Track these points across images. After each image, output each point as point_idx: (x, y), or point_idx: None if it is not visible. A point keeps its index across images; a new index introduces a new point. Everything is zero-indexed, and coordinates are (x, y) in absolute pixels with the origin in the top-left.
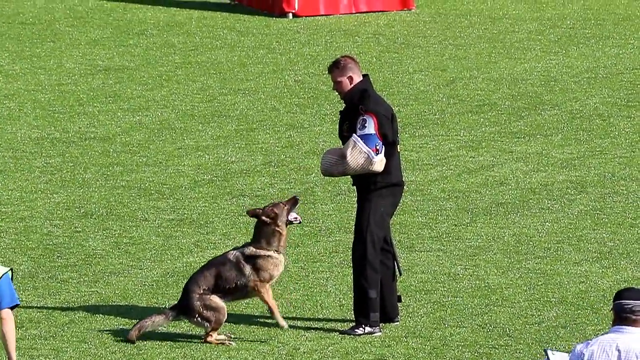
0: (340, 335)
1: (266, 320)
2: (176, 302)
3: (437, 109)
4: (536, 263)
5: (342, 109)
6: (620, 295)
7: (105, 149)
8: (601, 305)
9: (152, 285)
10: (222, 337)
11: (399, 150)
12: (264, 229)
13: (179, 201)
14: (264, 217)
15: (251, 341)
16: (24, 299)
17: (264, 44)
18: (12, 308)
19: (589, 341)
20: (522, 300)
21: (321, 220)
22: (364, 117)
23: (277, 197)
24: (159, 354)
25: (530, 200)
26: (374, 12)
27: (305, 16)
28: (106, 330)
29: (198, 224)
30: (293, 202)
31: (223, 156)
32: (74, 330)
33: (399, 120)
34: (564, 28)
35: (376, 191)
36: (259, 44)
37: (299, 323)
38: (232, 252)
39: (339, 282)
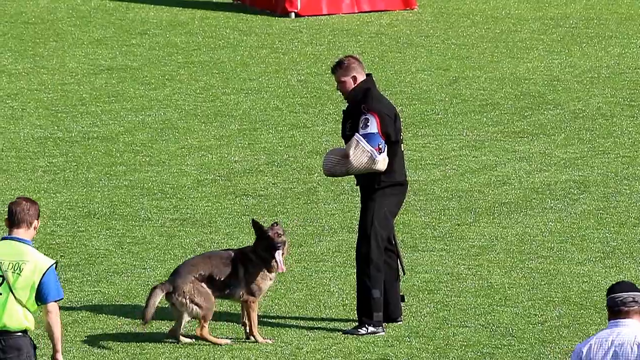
0: (344, 335)
1: (269, 320)
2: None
3: (439, 109)
4: (539, 263)
5: (345, 108)
6: (611, 290)
7: (108, 148)
8: (604, 304)
9: (156, 284)
10: (226, 341)
11: (403, 149)
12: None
13: (182, 201)
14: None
15: (254, 341)
16: None
17: (266, 43)
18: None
19: (588, 339)
20: (525, 300)
21: (324, 220)
22: (367, 116)
23: (280, 196)
24: (162, 353)
25: (533, 200)
26: (377, 11)
27: (308, 15)
28: (109, 330)
29: (201, 223)
30: (283, 245)
31: (226, 156)
32: (77, 330)
33: (401, 119)
34: (567, 27)
35: (380, 190)
36: (261, 44)
37: (302, 323)
38: (235, 251)
39: (342, 282)
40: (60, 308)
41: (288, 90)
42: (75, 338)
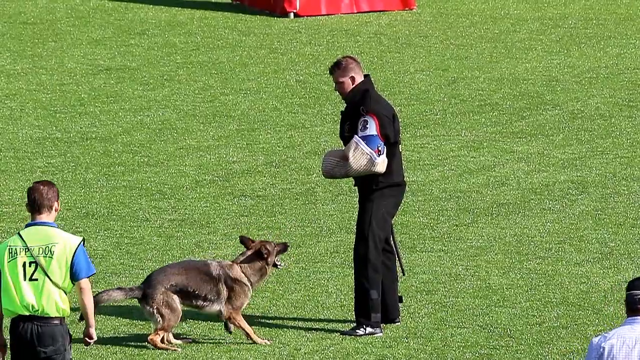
0: (342, 335)
1: (267, 321)
2: (139, 285)
3: (438, 109)
4: (537, 263)
5: (343, 109)
6: (631, 286)
7: (107, 149)
8: (602, 305)
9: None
10: (177, 342)
11: (401, 150)
12: (255, 260)
13: (181, 201)
14: (261, 250)
15: (252, 342)
16: None
17: (265, 43)
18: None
19: (606, 334)
20: (523, 300)
21: (322, 221)
22: (365, 118)
23: (278, 197)
24: (160, 353)
25: (532, 201)
26: (375, 11)
27: (307, 16)
28: (108, 330)
29: (199, 224)
30: (283, 247)
31: (224, 156)
32: (74, 331)
33: (400, 120)
34: (566, 28)
35: (378, 191)
36: (260, 44)
37: (300, 323)
38: (215, 264)
39: (341, 283)
40: None
41: (287, 90)
42: (74, 338)
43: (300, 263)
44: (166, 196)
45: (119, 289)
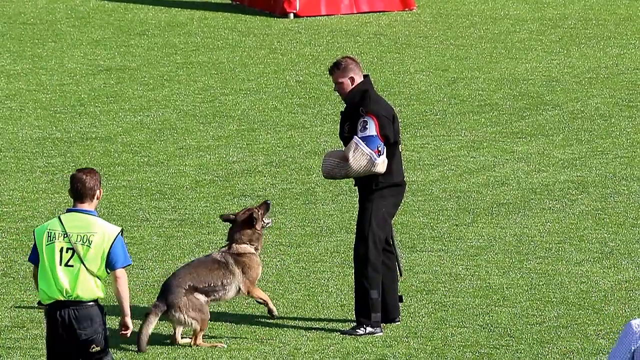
0: (342, 335)
1: (267, 321)
2: (158, 300)
3: (438, 109)
4: (537, 263)
5: (343, 110)
6: None
7: (107, 149)
8: (602, 305)
9: (154, 285)
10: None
11: (400, 150)
12: (245, 231)
13: (181, 201)
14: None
15: (252, 341)
16: (24, 300)
17: (265, 44)
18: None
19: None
20: (523, 300)
21: (322, 221)
22: (365, 119)
23: (278, 197)
24: (160, 354)
25: (532, 201)
26: (375, 12)
27: (307, 16)
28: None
29: (199, 224)
30: (265, 207)
31: (224, 156)
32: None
33: (400, 120)
34: (565, 28)
35: (378, 191)
36: (260, 44)
37: (300, 323)
38: (216, 253)
39: (341, 282)
40: None
41: (286, 90)
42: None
43: (300, 263)
44: (166, 196)
45: (146, 316)
